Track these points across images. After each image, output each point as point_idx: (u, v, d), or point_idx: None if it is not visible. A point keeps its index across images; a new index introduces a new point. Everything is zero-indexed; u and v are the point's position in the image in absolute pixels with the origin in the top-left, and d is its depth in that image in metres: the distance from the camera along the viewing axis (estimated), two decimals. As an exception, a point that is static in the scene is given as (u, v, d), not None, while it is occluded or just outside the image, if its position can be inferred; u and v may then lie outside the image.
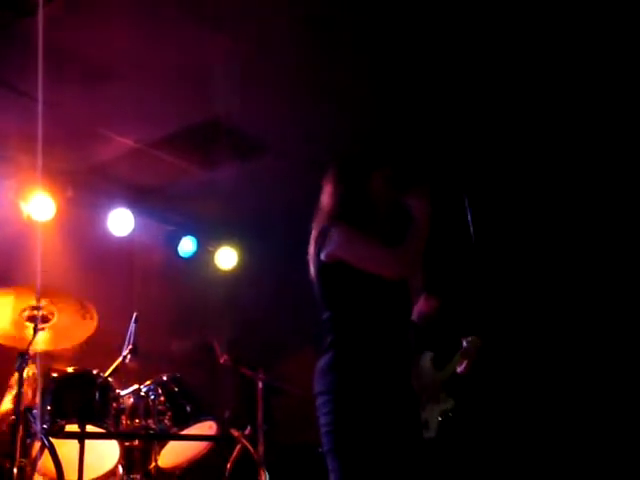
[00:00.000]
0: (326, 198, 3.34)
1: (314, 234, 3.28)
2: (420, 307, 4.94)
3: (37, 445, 4.21)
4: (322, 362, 3.16)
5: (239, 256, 7.45)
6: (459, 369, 5.07)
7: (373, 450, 3.01)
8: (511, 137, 5.65)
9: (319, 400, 3.11)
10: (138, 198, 6.68)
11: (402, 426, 3.13)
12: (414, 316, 4.96)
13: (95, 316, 4.90)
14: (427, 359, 5.00)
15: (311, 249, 3.27)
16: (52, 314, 4.74)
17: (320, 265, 3.21)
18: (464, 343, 5.10)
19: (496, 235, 5.54)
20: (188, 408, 4.87)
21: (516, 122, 5.49)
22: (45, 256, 5.48)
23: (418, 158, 5.18)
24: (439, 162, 5.33)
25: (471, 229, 3.28)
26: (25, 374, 4.34)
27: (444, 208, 3.26)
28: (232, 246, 7.44)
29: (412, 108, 5.31)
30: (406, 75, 5.03)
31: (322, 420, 3.08)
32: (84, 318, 4.89)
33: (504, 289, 6.29)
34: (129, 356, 4.63)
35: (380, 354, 3.14)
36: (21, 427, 4.14)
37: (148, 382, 4.88)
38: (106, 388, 4.62)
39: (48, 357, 4.85)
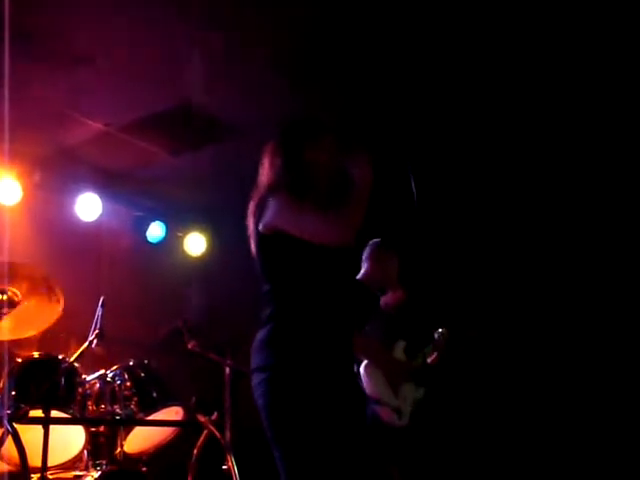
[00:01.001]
0: (264, 171, 3.25)
1: (251, 207, 3.18)
2: (386, 299, 4.95)
3: (0, 431, 4.17)
4: (260, 335, 3.05)
5: (208, 242, 7.44)
6: (429, 360, 5.10)
7: (313, 433, 2.89)
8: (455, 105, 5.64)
9: (255, 378, 2.99)
10: (106, 183, 6.63)
11: (342, 405, 3.01)
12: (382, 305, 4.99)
13: (61, 298, 4.87)
14: (400, 348, 5.01)
15: (250, 223, 3.17)
16: (17, 298, 4.71)
17: (259, 237, 3.11)
18: (435, 335, 5.13)
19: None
20: (154, 393, 4.85)
21: (460, 89, 5.48)
22: (12, 241, 5.45)
23: (360, 125, 5.15)
24: (382, 129, 5.34)
25: (415, 196, 3.24)
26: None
27: (386, 175, 3.19)
28: (201, 232, 7.43)
29: (359, 76, 5.29)
30: (358, 46, 4.99)
31: (260, 401, 2.96)
32: (50, 301, 4.86)
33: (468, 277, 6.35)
34: (95, 341, 4.60)
35: (320, 327, 3.04)
36: (-16, 412, 4.12)
37: (114, 367, 4.86)
38: (72, 373, 4.58)
39: (13, 342, 4.82)
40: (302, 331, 3.00)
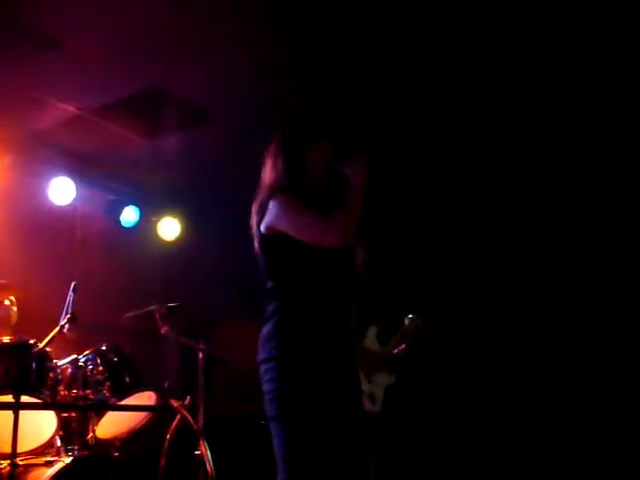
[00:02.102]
0: (267, 172, 3.37)
1: (254, 207, 3.31)
2: None
3: (-30, 416, 4.15)
4: (265, 330, 3.21)
5: (182, 226, 7.41)
6: (396, 351, 5.11)
7: (316, 415, 3.07)
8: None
9: (262, 367, 3.16)
10: (80, 166, 6.59)
11: (343, 390, 3.21)
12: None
13: (14, 298, 4.85)
14: (372, 333, 5.02)
15: (253, 223, 3.30)
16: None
17: (261, 237, 3.25)
18: (405, 321, 5.14)
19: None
20: (127, 378, 4.84)
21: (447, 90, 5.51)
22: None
23: (355, 128, 5.17)
24: (374, 131, 5.35)
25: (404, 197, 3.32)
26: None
27: (379, 177, 3.31)
28: (175, 216, 7.40)
29: (352, 80, 5.30)
30: (345, 48, 5.02)
31: (266, 387, 3.12)
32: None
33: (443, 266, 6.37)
34: (67, 325, 4.57)
35: (321, 321, 3.20)
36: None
37: (87, 352, 4.83)
38: (43, 358, 4.55)
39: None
40: (303, 325, 3.17)
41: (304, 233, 3.15)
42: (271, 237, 3.21)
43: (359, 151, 3.32)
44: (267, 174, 3.36)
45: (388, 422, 4.94)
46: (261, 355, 3.18)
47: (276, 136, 3.43)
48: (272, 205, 3.19)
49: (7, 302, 4.90)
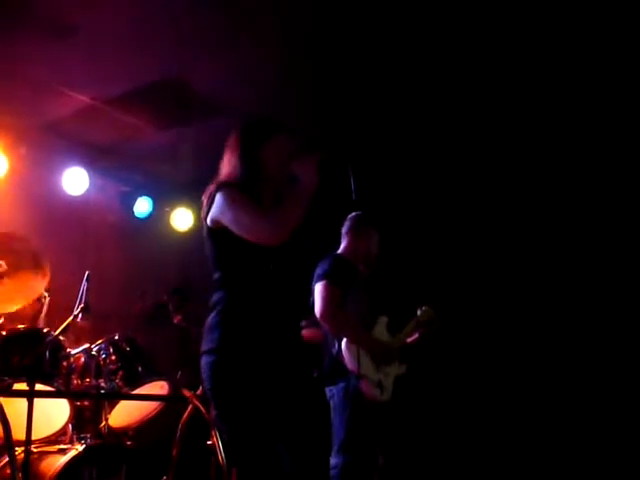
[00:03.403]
0: (223, 165, 3.40)
1: (204, 198, 3.32)
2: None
3: (-16, 404, 4.16)
4: (209, 320, 3.25)
5: (195, 217, 7.42)
6: (409, 340, 5.11)
7: (252, 412, 3.07)
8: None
9: (203, 359, 3.19)
10: (94, 157, 6.60)
11: (284, 387, 3.20)
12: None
13: (48, 272, 4.86)
14: (382, 324, 5.01)
15: (202, 213, 3.33)
16: (2, 269, 4.69)
17: (207, 230, 3.28)
18: (418, 312, 5.13)
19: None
20: (140, 368, 4.85)
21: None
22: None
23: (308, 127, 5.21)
24: (326, 131, 5.38)
25: (354, 196, 3.33)
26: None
27: (329, 176, 3.29)
28: (188, 207, 7.41)
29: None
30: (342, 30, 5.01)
31: (206, 384, 3.17)
32: (36, 274, 4.84)
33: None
34: (80, 315, 4.59)
35: (263, 315, 3.21)
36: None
37: (99, 341, 4.85)
38: (56, 346, 4.57)
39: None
40: (243, 318, 3.18)
41: (240, 228, 3.14)
42: (216, 230, 3.22)
43: (312, 150, 3.31)
44: (223, 168, 3.38)
45: (397, 412, 4.93)
46: (203, 345, 3.21)
47: (235, 131, 3.44)
48: (217, 198, 3.19)
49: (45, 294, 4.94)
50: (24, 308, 5.00)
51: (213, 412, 5.10)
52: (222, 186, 3.24)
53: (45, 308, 4.98)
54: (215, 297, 3.26)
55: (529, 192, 6.29)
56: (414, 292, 5.72)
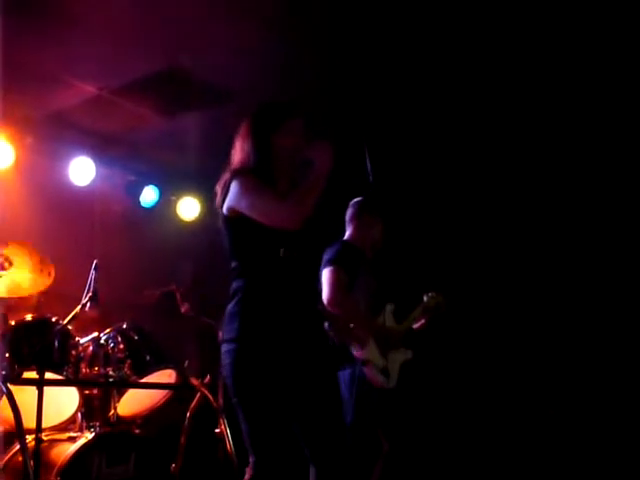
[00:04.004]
0: (235, 153, 3.39)
1: (219, 187, 3.33)
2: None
3: (-5, 392, 4.20)
4: (228, 309, 3.25)
5: (201, 206, 7.43)
6: (415, 325, 5.12)
7: (272, 401, 3.09)
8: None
9: (223, 348, 3.19)
10: (100, 146, 6.60)
11: (303, 375, 3.19)
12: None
13: (52, 273, 4.87)
14: (389, 311, 5.01)
15: (217, 202, 3.32)
16: (10, 263, 4.71)
17: (224, 218, 3.27)
18: (424, 298, 5.13)
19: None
20: (148, 356, 4.88)
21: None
22: (4, 204, 5.44)
23: (322, 111, 5.19)
24: (341, 113, 5.36)
25: (370, 177, 3.32)
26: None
27: (344, 158, 3.28)
28: (194, 196, 7.42)
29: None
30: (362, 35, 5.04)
31: (226, 370, 3.16)
32: (41, 273, 4.86)
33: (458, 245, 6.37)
34: (89, 304, 4.61)
35: (282, 303, 3.20)
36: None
37: (108, 330, 4.88)
38: (65, 335, 4.60)
39: (6, 305, 4.83)
40: (263, 306, 3.18)
41: (258, 214, 3.14)
42: (233, 218, 3.22)
43: (326, 135, 3.29)
44: (235, 155, 3.38)
45: (403, 398, 4.94)
46: (224, 334, 3.22)
47: (246, 118, 3.43)
48: (233, 185, 3.20)
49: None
50: (23, 300, 5.04)
51: (221, 400, 5.18)
52: (237, 173, 3.25)
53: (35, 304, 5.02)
54: (234, 286, 3.25)
55: (541, 179, 6.27)
56: (421, 278, 5.73)
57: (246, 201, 3.15)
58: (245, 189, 3.16)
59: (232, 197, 3.18)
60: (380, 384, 4.69)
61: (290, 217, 3.13)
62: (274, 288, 3.20)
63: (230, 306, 3.22)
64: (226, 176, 3.29)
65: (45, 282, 4.86)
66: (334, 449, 3.18)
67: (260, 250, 3.22)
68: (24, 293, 4.88)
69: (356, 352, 4.62)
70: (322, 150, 3.23)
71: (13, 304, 4.89)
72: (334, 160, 3.22)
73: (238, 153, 3.36)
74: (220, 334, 5.27)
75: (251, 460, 3.12)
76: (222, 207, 3.26)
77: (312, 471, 3.22)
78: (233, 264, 3.29)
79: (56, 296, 5.10)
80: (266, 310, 3.16)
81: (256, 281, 3.21)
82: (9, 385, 4.14)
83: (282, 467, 3.09)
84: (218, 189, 3.32)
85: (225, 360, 3.15)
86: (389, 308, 4.97)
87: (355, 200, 5.09)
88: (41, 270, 4.81)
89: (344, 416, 3.30)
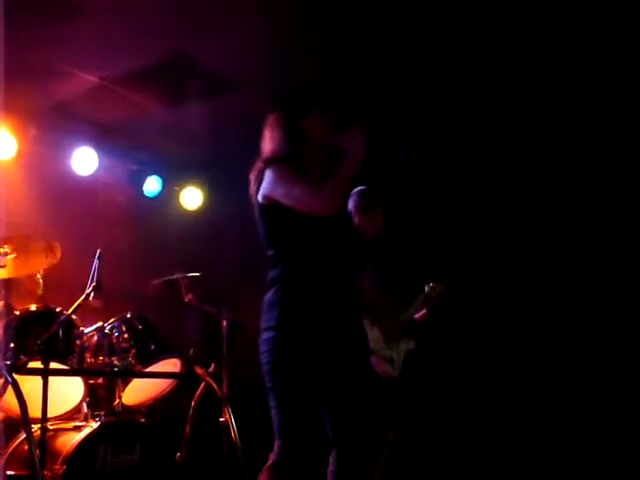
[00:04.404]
0: (265, 142, 3.42)
1: (252, 176, 3.37)
2: None
3: (0, 382, 4.20)
4: (266, 298, 3.27)
5: (204, 196, 7.43)
6: (416, 316, 5.12)
7: (310, 389, 3.16)
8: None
9: (262, 336, 3.23)
10: (103, 137, 6.60)
11: (344, 362, 3.23)
12: None
13: (58, 254, 4.89)
14: (392, 301, 5.01)
15: (251, 191, 3.36)
16: (13, 250, 4.73)
17: (259, 206, 3.31)
18: (426, 288, 5.13)
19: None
20: (152, 346, 4.90)
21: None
22: (7, 195, 5.45)
23: (352, 97, 5.17)
24: (371, 100, 5.33)
25: (402, 163, 3.32)
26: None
27: (377, 145, 3.30)
28: (197, 186, 7.42)
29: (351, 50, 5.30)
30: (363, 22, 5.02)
31: (262, 358, 3.20)
32: (46, 257, 4.89)
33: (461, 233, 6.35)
34: (93, 293, 4.62)
35: (320, 290, 3.24)
36: (-17, 364, 4.15)
37: (112, 320, 4.89)
38: (69, 325, 4.62)
39: (10, 294, 4.85)
40: (302, 294, 3.21)
41: (294, 201, 3.18)
42: (268, 206, 3.26)
43: (357, 121, 3.31)
44: (266, 145, 3.41)
45: (407, 388, 4.95)
46: (262, 323, 3.25)
47: (274, 107, 3.47)
48: (267, 174, 3.24)
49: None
50: (23, 286, 5.06)
51: (225, 389, 5.20)
52: (270, 162, 3.29)
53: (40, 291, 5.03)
54: (271, 274, 3.28)
55: (548, 170, 6.25)
56: (423, 268, 5.73)
57: (281, 189, 3.20)
58: (279, 177, 3.21)
59: (267, 185, 3.22)
60: (387, 374, 4.70)
61: (324, 204, 3.18)
62: (312, 275, 3.24)
63: (269, 295, 3.26)
64: (259, 165, 3.34)
65: (47, 262, 4.88)
66: (362, 435, 3.22)
67: (296, 237, 3.26)
68: (24, 272, 4.90)
69: None
70: (354, 137, 3.25)
71: (17, 290, 4.92)
72: (366, 146, 3.24)
73: (268, 142, 3.40)
74: (224, 323, 5.40)
75: (277, 445, 3.17)
76: (256, 196, 3.30)
77: (333, 455, 3.27)
78: (269, 252, 3.32)
79: (60, 286, 5.11)
80: (305, 297, 3.20)
81: (294, 268, 3.24)
82: (14, 375, 4.14)
83: (309, 453, 3.15)
84: (251, 178, 3.36)
85: (263, 347, 3.20)
86: (392, 298, 4.97)
87: (356, 189, 5.08)
88: (44, 251, 4.83)
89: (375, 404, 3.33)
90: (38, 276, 4.98)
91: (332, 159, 3.26)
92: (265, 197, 3.24)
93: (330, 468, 3.29)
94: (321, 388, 3.18)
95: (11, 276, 4.85)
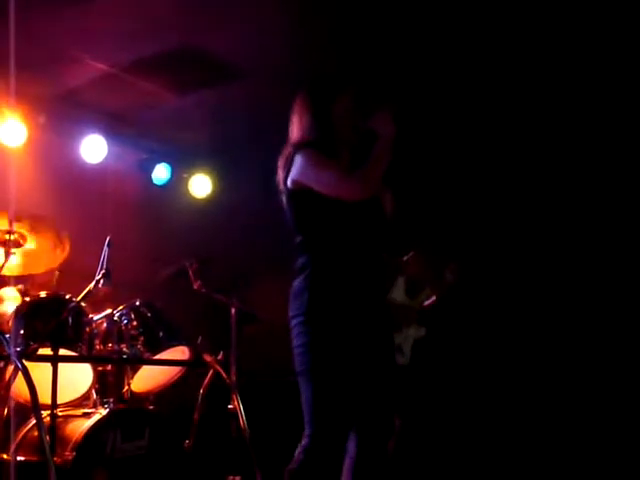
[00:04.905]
0: (293, 127, 3.41)
1: (280, 162, 3.36)
2: None
3: (10, 368, 4.23)
4: (295, 285, 3.27)
5: (213, 183, 7.43)
6: (426, 302, 5.11)
7: (343, 370, 3.14)
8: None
9: (293, 322, 3.22)
10: (112, 124, 6.61)
11: (372, 345, 3.26)
12: None
13: (67, 247, 4.90)
14: (400, 287, 5.01)
15: (279, 177, 3.35)
16: (24, 239, 4.73)
17: (287, 192, 3.30)
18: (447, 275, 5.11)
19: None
20: (161, 333, 4.91)
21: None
22: (17, 183, 5.46)
23: (382, 80, 5.13)
24: (403, 84, 5.31)
25: (434, 148, 3.32)
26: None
27: (409, 129, 3.30)
28: (206, 173, 7.42)
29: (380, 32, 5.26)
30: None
31: (295, 342, 3.19)
32: (55, 248, 4.90)
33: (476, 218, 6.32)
34: (102, 281, 4.63)
35: (350, 275, 3.23)
36: (-6, 350, 4.17)
37: (121, 307, 4.91)
38: (79, 312, 4.63)
39: (20, 282, 4.86)
40: (332, 280, 3.22)
41: (326, 187, 3.18)
42: (297, 192, 3.26)
43: (385, 103, 3.31)
44: (294, 130, 3.40)
45: (416, 375, 4.95)
46: (291, 310, 3.25)
47: (301, 91, 3.45)
48: (297, 159, 3.23)
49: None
50: (38, 278, 5.07)
51: (234, 377, 5.21)
52: (301, 147, 3.27)
53: (55, 283, 5.05)
54: (300, 261, 3.29)
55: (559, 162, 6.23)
56: (433, 251, 5.71)
57: (312, 174, 3.20)
58: (310, 162, 3.21)
59: (297, 170, 3.22)
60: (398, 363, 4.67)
61: (357, 189, 3.18)
62: (340, 261, 3.23)
63: (297, 282, 3.26)
64: (287, 151, 3.33)
65: (59, 257, 4.90)
66: (385, 421, 3.27)
67: (326, 223, 3.26)
68: (39, 269, 4.92)
69: None
70: (384, 120, 3.25)
71: (32, 283, 4.94)
72: (396, 127, 3.23)
73: (296, 127, 3.39)
74: (233, 311, 5.40)
75: (307, 433, 3.16)
76: (285, 182, 3.29)
77: (353, 439, 3.26)
78: (297, 239, 3.32)
79: (69, 273, 5.13)
80: (334, 284, 3.20)
81: (322, 255, 3.24)
82: (24, 361, 4.15)
83: (339, 440, 3.16)
84: (280, 164, 3.35)
85: (294, 332, 3.21)
86: (400, 282, 4.95)
87: None
88: (55, 246, 4.84)
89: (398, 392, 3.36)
90: (56, 273, 5.01)
91: (363, 143, 3.27)
92: (295, 182, 3.24)
93: (349, 455, 3.28)
94: (350, 375, 3.17)
95: (23, 273, 4.86)
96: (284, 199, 3.36)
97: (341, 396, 3.13)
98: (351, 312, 3.19)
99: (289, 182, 3.26)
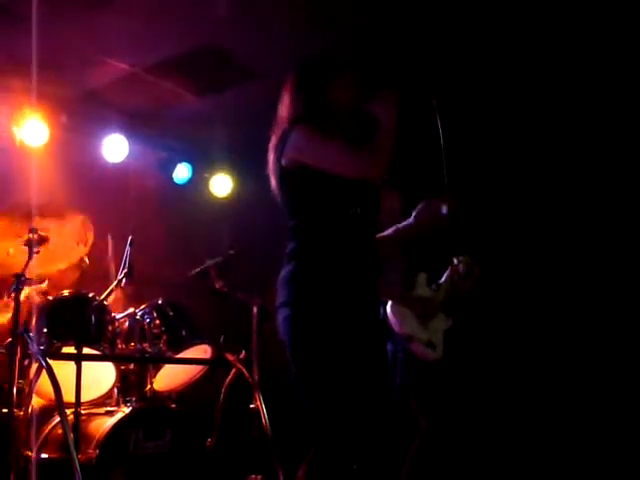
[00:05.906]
0: (285, 107, 3.20)
1: (273, 141, 3.15)
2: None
3: (34, 366, 4.23)
4: (283, 272, 3.04)
5: (234, 183, 7.44)
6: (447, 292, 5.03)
7: (333, 367, 2.90)
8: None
9: (279, 314, 3.00)
10: (133, 124, 6.63)
11: (365, 341, 3.03)
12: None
13: (90, 240, 4.92)
14: (422, 279, 4.95)
15: (270, 157, 3.14)
16: (48, 237, 4.74)
17: (281, 172, 3.08)
18: (455, 261, 5.03)
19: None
20: (183, 332, 4.92)
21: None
22: (39, 182, 5.48)
23: (384, 62, 5.08)
24: (407, 66, 5.26)
25: (441, 133, 3.19)
26: (22, 296, 4.37)
27: (412, 113, 3.10)
28: (227, 173, 7.43)
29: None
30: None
31: (284, 338, 2.99)
32: (78, 243, 4.91)
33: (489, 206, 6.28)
34: (124, 280, 4.64)
35: (343, 263, 3.01)
36: (18, 348, 4.19)
37: (143, 306, 4.92)
38: (102, 311, 4.65)
39: (43, 281, 4.88)
40: (324, 267, 2.99)
41: (329, 162, 2.97)
42: (292, 171, 3.03)
43: (387, 88, 3.12)
44: (285, 108, 3.18)
45: (450, 368, 4.89)
46: (279, 298, 3.01)
47: (294, 71, 3.26)
48: (294, 136, 3.00)
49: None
50: (65, 274, 5.08)
51: (256, 376, 5.21)
52: (296, 122, 3.06)
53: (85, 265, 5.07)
54: (290, 247, 3.05)
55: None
56: (449, 242, 5.66)
57: (312, 149, 2.99)
58: (310, 137, 3.00)
59: (294, 147, 2.98)
60: (431, 358, 4.61)
61: (368, 165, 2.97)
62: (335, 248, 3.00)
63: (286, 268, 3.02)
64: (281, 127, 3.11)
65: (82, 252, 4.92)
66: (384, 423, 3.02)
67: (322, 206, 3.03)
68: (61, 265, 4.93)
69: (397, 329, 4.55)
70: (385, 105, 3.07)
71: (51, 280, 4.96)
72: (398, 113, 3.04)
73: (289, 105, 3.16)
74: (255, 310, 5.40)
75: (317, 438, 2.97)
76: (277, 162, 3.07)
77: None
78: (290, 223, 3.09)
79: (92, 272, 5.15)
80: (327, 272, 2.96)
81: (315, 241, 3.01)
82: (48, 360, 4.18)
83: (349, 443, 2.92)
84: (272, 142, 3.14)
85: (282, 326, 2.99)
86: (421, 277, 4.90)
87: None
88: (79, 240, 4.86)
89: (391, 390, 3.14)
90: (86, 260, 5.03)
91: (362, 128, 3.09)
92: (291, 160, 3.01)
93: None
94: (346, 372, 2.92)
95: (46, 270, 4.87)
96: (274, 180, 3.12)
97: (333, 398, 2.90)
98: (339, 307, 2.95)
99: (283, 160, 3.02)
